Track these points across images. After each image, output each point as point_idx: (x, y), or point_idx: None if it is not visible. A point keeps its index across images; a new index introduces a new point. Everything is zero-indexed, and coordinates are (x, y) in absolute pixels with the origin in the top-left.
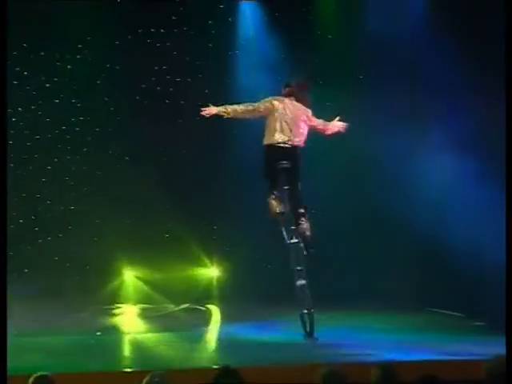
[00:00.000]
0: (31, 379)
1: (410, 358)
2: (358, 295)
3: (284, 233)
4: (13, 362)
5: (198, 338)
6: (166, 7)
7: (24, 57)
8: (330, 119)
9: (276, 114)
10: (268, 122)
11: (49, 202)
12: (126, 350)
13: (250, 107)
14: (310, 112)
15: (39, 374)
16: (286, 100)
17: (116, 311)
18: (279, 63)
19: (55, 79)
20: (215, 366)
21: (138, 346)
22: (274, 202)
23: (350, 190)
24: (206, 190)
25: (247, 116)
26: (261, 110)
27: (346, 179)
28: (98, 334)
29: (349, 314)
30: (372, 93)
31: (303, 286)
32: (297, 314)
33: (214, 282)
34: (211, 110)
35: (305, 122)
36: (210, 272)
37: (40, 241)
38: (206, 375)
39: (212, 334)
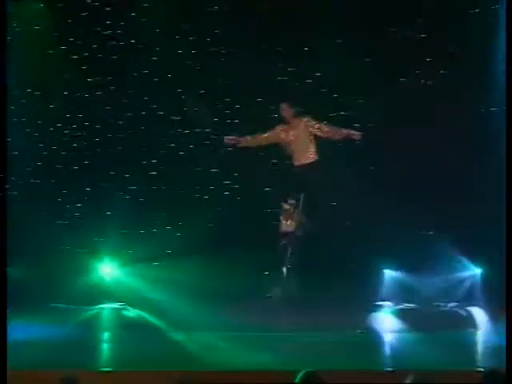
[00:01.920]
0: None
1: None
2: None
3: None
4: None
5: (459, 340)
6: None
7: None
8: None
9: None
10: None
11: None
12: (388, 349)
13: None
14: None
15: (305, 370)
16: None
17: (378, 310)
18: None
19: None
20: (479, 369)
21: (398, 346)
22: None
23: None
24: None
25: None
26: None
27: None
28: (360, 332)
29: None
30: None
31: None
32: None
33: (478, 283)
34: None
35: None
36: (472, 272)
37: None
38: (468, 377)
39: (474, 336)
